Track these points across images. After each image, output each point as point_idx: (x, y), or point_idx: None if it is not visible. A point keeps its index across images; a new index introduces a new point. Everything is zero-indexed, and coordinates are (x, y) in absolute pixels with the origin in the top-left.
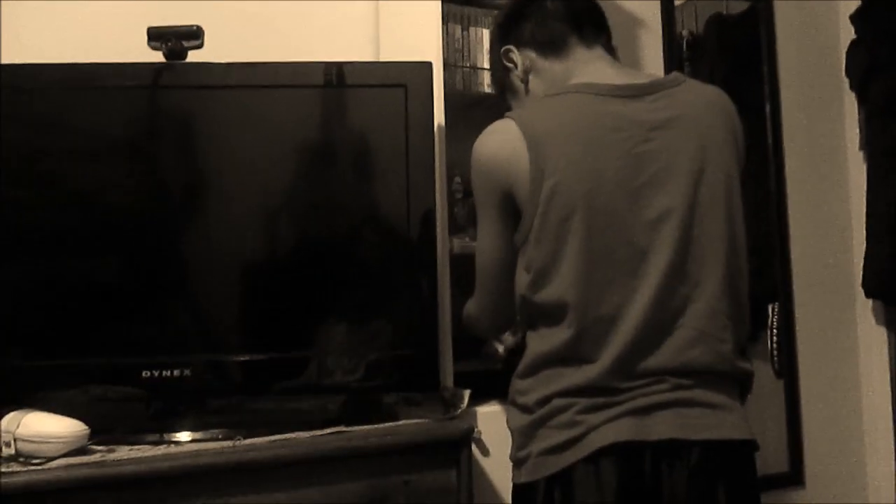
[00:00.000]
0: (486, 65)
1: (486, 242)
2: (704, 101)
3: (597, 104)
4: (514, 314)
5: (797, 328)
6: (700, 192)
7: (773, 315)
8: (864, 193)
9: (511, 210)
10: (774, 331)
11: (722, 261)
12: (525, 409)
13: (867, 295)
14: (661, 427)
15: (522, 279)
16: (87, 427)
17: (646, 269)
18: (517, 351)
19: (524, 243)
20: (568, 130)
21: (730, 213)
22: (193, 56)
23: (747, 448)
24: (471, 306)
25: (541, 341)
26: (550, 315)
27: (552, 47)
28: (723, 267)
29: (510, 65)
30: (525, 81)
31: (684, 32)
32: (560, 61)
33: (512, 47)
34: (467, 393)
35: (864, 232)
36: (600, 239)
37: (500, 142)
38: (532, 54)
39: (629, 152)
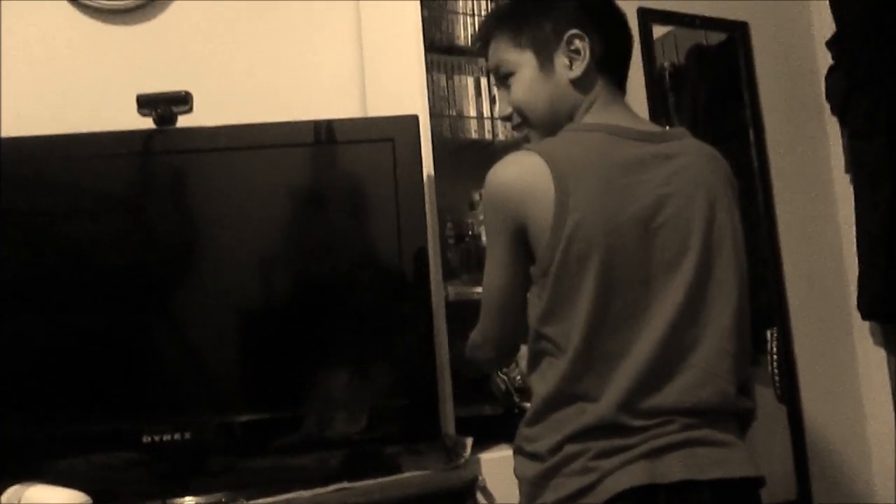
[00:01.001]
0: (472, 112)
1: (495, 271)
2: (706, 153)
3: (619, 145)
4: (517, 344)
5: (796, 352)
6: (712, 236)
7: (771, 340)
8: (854, 215)
9: (523, 240)
10: (774, 356)
11: (732, 303)
12: (535, 457)
13: (863, 317)
14: (675, 469)
15: (535, 310)
16: (88, 497)
17: (657, 308)
18: (522, 389)
19: (542, 276)
20: (592, 167)
21: (739, 257)
22: (183, 119)
23: (755, 485)
24: (475, 334)
25: (543, 380)
26: (557, 348)
27: (581, 79)
28: (732, 308)
29: (573, 52)
30: (575, 80)
31: (666, 64)
32: (582, 94)
33: (581, 34)
34: (469, 441)
35: (856, 254)
36: (616, 277)
37: (521, 172)
38: None
39: (648, 194)
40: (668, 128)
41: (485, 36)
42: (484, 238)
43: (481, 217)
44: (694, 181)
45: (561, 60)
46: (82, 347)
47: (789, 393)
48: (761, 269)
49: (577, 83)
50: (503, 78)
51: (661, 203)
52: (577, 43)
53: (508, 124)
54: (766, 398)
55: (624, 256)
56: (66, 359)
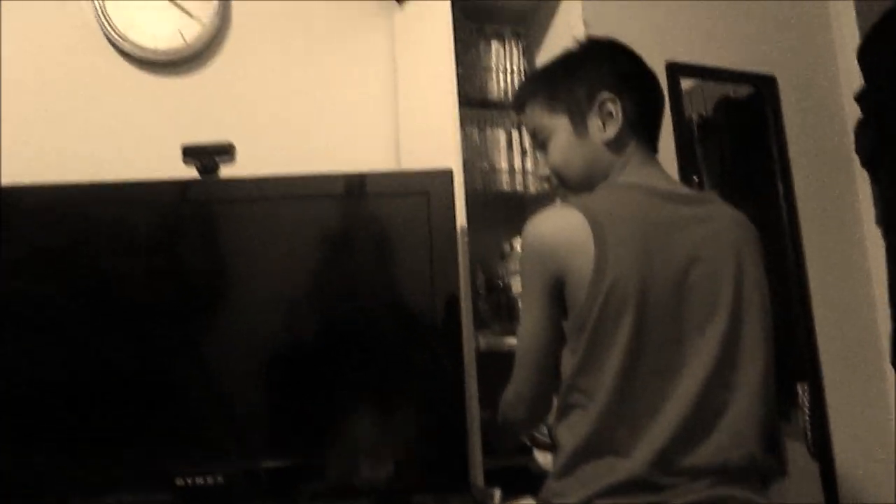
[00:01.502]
0: (504, 165)
1: (532, 326)
2: (737, 219)
3: (653, 205)
4: (550, 405)
5: (829, 407)
6: (742, 300)
7: (803, 394)
8: (885, 270)
9: (560, 295)
10: (806, 410)
11: (760, 365)
12: None
13: None
14: None
15: (568, 364)
16: None
17: (689, 367)
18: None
19: (578, 331)
20: (629, 225)
21: (766, 321)
22: (224, 168)
23: None
24: (508, 393)
25: (572, 432)
26: (588, 400)
27: (615, 140)
28: (760, 371)
29: (606, 115)
30: (609, 141)
31: (694, 115)
32: (616, 155)
33: (614, 97)
34: (498, 492)
35: (889, 308)
36: (648, 334)
37: (561, 226)
38: None
39: (682, 255)
40: (700, 190)
41: (521, 101)
42: (515, 288)
43: (512, 267)
44: (725, 245)
45: (594, 123)
46: (117, 388)
47: (822, 448)
48: (792, 322)
49: (611, 145)
50: (541, 142)
51: (693, 264)
52: (610, 106)
53: (539, 177)
54: (798, 453)
55: (657, 315)
56: (100, 399)
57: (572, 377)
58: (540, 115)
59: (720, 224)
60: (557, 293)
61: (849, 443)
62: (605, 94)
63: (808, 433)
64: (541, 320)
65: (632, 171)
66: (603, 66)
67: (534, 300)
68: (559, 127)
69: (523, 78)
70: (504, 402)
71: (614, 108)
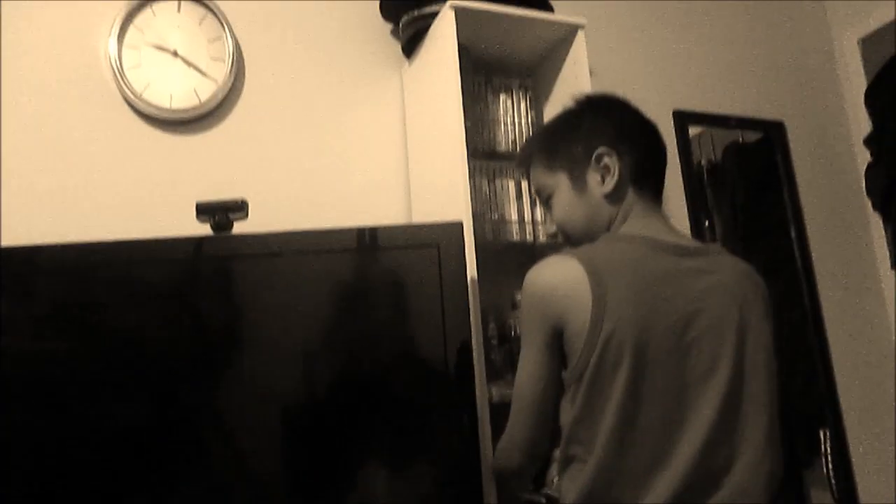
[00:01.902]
0: (514, 216)
1: (529, 372)
2: (741, 270)
3: (654, 257)
4: (546, 453)
5: (851, 452)
6: (745, 352)
7: (825, 440)
8: None
9: (559, 343)
10: (829, 457)
11: (765, 420)
12: None
13: None
14: None
15: (567, 415)
16: None
17: (691, 423)
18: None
19: (576, 381)
20: (628, 276)
21: (770, 373)
22: (238, 224)
23: None
24: (503, 441)
25: (573, 485)
26: (587, 453)
27: (614, 193)
28: (766, 425)
29: (603, 169)
30: (608, 195)
31: (703, 161)
32: (616, 207)
33: (610, 150)
34: None
35: None
36: (646, 387)
37: (560, 276)
38: None
39: (682, 307)
40: (711, 240)
41: (524, 162)
42: None
43: None
44: (728, 297)
45: (593, 178)
46: (132, 445)
47: (847, 495)
48: (811, 368)
49: (610, 197)
50: (545, 200)
51: (694, 317)
52: (606, 160)
53: (549, 227)
54: (822, 501)
55: (656, 367)
56: (115, 456)
57: (571, 428)
58: (542, 174)
59: (724, 276)
60: (556, 342)
61: (873, 488)
62: (602, 149)
63: (832, 480)
64: (539, 368)
65: (633, 223)
66: (599, 121)
67: (532, 348)
68: (560, 184)
69: (530, 132)
70: (498, 451)
71: (611, 161)
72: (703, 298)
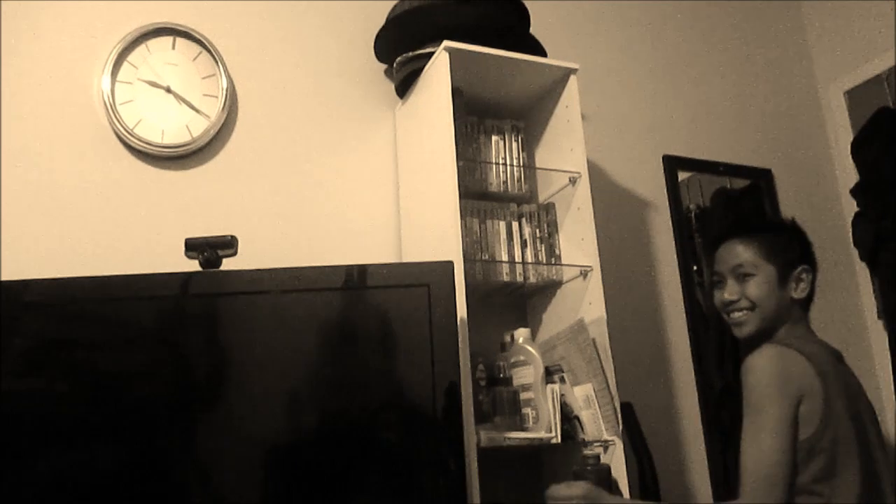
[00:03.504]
0: (504, 256)
1: (773, 444)
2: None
3: (834, 362)
4: None
5: None
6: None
7: None
8: (889, 362)
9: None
10: None
11: None
12: None
13: None
14: None
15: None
16: None
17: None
18: None
19: (809, 452)
20: (834, 382)
21: None
22: (227, 261)
23: None
24: None
25: None
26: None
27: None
28: None
29: (800, 280)
30: (798, 301)
31: (691, 206)
32: (795, 311)
33: (809, 270)
34: None
35: (894, 399)
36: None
37: (799, 369)
38: None
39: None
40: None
41: (743, 231)
42: (516, 381)
43: (514, 359)
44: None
45: (791, 284)
46: (113, 484)
47: None
48: None
49: (795, 301)
50: (740, 275)
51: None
52: (804, 276)
53: (540, 268)
54: None
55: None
56: (96, 495)
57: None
58: (753, 256)
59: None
60: (795, 421)
61: None
62: (805, 266)
63: None
64: (785, 443)
65: (800, 328)
66: (801, 245)
67: (776, 425)
68: (767, 272)
69: (522, 173)
70: None
71: (807, 278)
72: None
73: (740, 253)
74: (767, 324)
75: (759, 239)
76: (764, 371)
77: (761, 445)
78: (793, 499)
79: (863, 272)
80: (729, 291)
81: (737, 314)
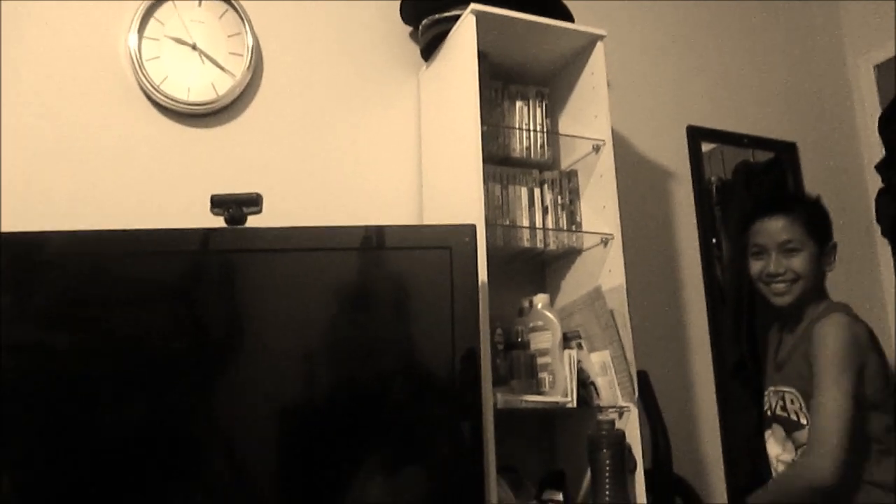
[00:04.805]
0: (525, 222)
1: (845, 403)
2: None
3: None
4: None
5: None
6: None
7: None
8: None
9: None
10: None
11: None
12: None
13: None
14: None
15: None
16: None
17: None
18: None
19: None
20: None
21: None
22: (251, 219)
23: None
24: (818, 461)
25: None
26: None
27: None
28: None
29: (832, 254)
30: (827, 273)
31: (713, 178)
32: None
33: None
34: None
35: None
36: None
37: (865, 332)
38: None
39: None
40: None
41: (788, 208)
42: (534, 345)
43: (532, 324)
44: None
45: (825, 258)
46: (128, 440)
47: None
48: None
49: (826, 275)
50: (787, 249)
51: None
52: (833, 250)
53: (560, 235)
54: None
55: None
56: (111, 452)
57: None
58: (801, 232)
59: None
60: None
61: None
62: (834, 242)
63: None
64: (854, 402)
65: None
66: (829, 221)
67: (849, 387)
68: (810, 248)
69: (545, 140)
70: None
71: (835, 253)
72: None
73: (787, 228)
74: (805, 295)
75: (802, 215)
76: (838, 339)
77: (839, 402)
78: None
79: (883, 248)
80: (775, 264)
81: (780, 286)
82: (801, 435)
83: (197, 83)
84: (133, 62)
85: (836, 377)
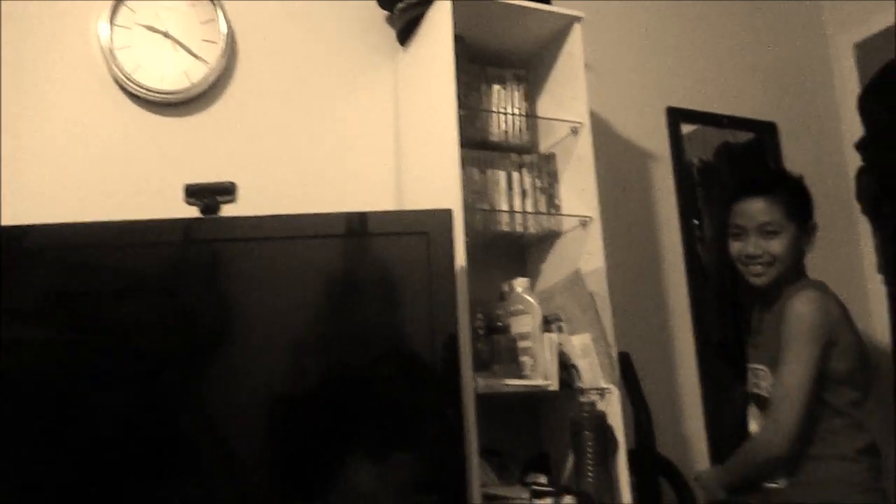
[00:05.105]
0: (504, 206)
1: (805, 375)
2: None
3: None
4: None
5: None
6: None
7: None
8: (887, 316)
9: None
10: None
11: None
12: None
13: None
14: None
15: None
16: None
17: None
18: None
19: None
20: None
21: None
22: (225, 208)
23: None
24: (769, 434)
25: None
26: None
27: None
28: None
29: (811, 234)
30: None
31: (694, 159)
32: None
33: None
34: None
35: (891, 353)
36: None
37: (835, 306)
38: None
39: None
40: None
41: (768, 189)
42: (515, 329)
43: (512, 308)
44: None
45: (804, 238)
46: (114, 431)
47: None
48: None
49: (805, 254)
50: (766, 231)
51: None
52: (814, 233)
53: (539, 218)
54: None
55: None
56: (98, 444)
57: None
58: (780, 215)
59: None
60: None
61: None
62: (814, 223)
63: None
64: (814, 374)
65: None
66: (810, 202)
67: (810, 360)
68: (789, 230)
69: (523, 123)
70: (762, 443)
71: (815, 233)
72: None
73: (767, 210)
74: (782, 276)
75: (782, 197)
76: (805, 313)
77: (797, 375)
78: (826, 417)
79: (864, 226)
80: (754, 246)
81: (757, 267)
82: None
83: (170, 71)
84: (104, 52)
85: (798, 351)
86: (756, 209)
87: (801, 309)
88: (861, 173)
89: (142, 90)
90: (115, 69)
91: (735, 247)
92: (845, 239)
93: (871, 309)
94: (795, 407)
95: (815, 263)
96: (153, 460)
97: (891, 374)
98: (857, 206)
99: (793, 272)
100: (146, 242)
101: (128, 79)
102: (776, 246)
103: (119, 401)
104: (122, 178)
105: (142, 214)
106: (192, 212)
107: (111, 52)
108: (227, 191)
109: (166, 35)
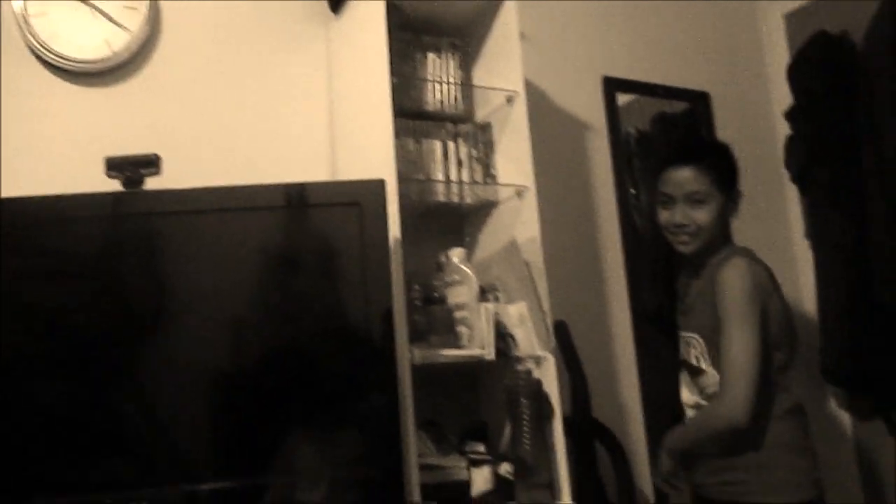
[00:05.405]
0: (440, 176)
1: (751, 346)
2: None
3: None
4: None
5: None
6: None
7: None
8: (814, 282)
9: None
10: None
11: None
12: None
13: (827, 381)
14: None
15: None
16: None
17: None
18: None
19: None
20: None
21: None
22: (151, 182)
23: None
24: (726, 404)
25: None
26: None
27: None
28: None
29: (736, 204)
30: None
31: (631, 129)
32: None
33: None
34: None
35: (818, 320)
36: None
37: (767, 275)
38: None
39: None
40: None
41: (696, 158)
42: (451, 300)
43: (449, 279)
44: None
45: (730, 206)
46: (48, 410)
47: None
48: None
49: (731, 221)
50: (693, 200)
51: None
52: (739, 201)
53: (476, 188)
54: None
55: None
56: (32, 422)
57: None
58: (707, 184)
59: None
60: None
61: None
62: (738, 190)
63: None
64: (759, 343)
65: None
66: (735, 170)
67: (753, 328)
68: (716, 199)
69: (458, 92)
70: (721, 413)
71: (739, 201)
72: None
73: (694, 179)
74: (708, 244)
75: (710, 166)
76: (740, 282)
77: (743, 344)
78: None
79: (792, 193)
80: (681, 215)
81: (684, 237)
82: (703, 380)
83: (89, 40)
84: (18, 19)
85: (741, 321)
86: (684, 178)
87: (734, 277)
88: (790, 141)
89: (60, 60)
90: (30, 37)
91: (663, 215)
92: (774, 206)
93: (797, 273)
94: (749, 375)
95: (745, 229)
96: (90, 441)
97: (814, 338)
98: (786, 174)
99: (719, 239)
100: (72, 217)
101: (43, 47)
102: (703, 215)
103: (54, 383)
104: (40, 151)
105: (63, 189)
106: (114, 185)
107: (25, 19)
108: (150, 163)
109: (84, 1)
